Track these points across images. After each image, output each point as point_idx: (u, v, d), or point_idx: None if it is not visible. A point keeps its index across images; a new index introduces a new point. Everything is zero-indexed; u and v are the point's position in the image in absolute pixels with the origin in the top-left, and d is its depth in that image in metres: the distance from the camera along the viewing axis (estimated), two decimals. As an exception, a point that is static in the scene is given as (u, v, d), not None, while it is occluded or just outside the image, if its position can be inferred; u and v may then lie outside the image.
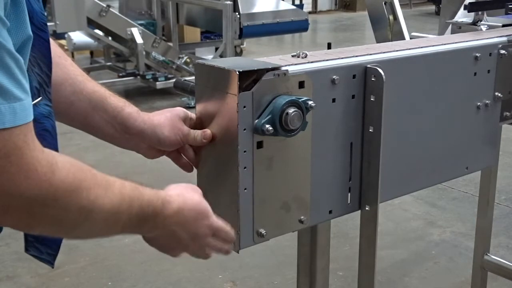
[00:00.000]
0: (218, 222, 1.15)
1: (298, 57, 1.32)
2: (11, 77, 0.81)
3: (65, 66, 1.22)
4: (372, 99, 1.36)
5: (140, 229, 1.06)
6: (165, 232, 1.09)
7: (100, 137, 1.30)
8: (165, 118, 1.29)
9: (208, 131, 1.25)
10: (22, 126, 0.82)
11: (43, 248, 1.16)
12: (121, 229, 1.01)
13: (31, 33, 0.89)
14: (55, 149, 1.07)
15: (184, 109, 1.32)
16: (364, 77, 1.36)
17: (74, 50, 7.28)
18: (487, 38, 1.70)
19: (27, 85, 0.84)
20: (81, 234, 0.99)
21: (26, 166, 0.82)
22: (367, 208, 1.42)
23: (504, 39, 1.70)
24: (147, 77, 6.73)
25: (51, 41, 1.10)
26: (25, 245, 1.15)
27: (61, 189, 0.86)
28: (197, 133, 1.26)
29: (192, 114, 1.32)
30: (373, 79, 1.35)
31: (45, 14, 1.01)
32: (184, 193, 1.11)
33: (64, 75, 1.22)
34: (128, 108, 1.28)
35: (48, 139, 1.04)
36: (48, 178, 0.85)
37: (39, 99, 1.01)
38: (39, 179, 0.84)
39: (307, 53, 1.34)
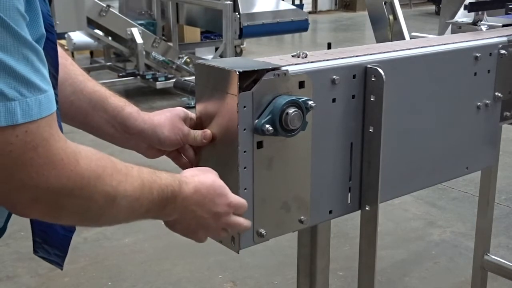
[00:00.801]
0: (236, 198, 1.16)
1: (298, 57, 1.32)
2: (35, 70, 0.82)
3: (65, 65, 1.22)
4: (372, 99, 1.36)
5: (161, 212, 1.06)
6: (186, 213, 1.10)
7: (100, 137, 1.30)
8: (165, 118, 1.29)
9: (208, 131, 1.25)
10: (48, 117, 0.84)
11: (51, 249, 1.17)
12: (145, 213, 1.02)
13: (44, 31, 0.90)
14: None
15: (184, 109, 1.32)
16: (364, 77, 1.36)
17: (74, 50, 7.27)
18: (487, 38, 1.70)
19: (48, 76, 0.85)
20: (107, 221, 1.01)
21: (53, 157, 0.84)
22: (367, 208, 1.42)
23: (504, 39, 1.70)
24: (147, 77, 6.73)
25: None
26: (34, 247, 1.16)
27: (86, 177, 0.88)
28: (197, 133, 1.26)
29: (192, 114, 1.32)
30: (373, 79, 1.35)
31: (51, 15, 1.02)
32: (199, 174, 1.13)
33: (65, 75, 1.22)
34: (128, 108, 1.28)
35: None
36: (74, 168, 0.87)
37: None
38: (65, 170, 0.85)
39: (307, 53, 1.34)
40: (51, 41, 1.01)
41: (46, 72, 0.85)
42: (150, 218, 1.06)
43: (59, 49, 1.20)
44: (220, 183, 1.14)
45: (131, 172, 0.98)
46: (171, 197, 1.05)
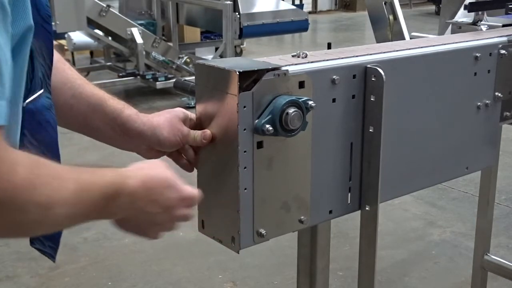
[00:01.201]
0: (187, 190, 1.10)
1: (298, 57, 1.32)
2: None
3: (63, 70, 1.23)
4: (372, 99, 1.36)
5: (108, 213, 1.01)
6: (133, 210, 1.04)
7: (100, 140, 1.30)
8: (164, 119, 1.29)
9: (207, 132, 1.25)
10: None
11: (46, 241, 1.16)
12: (88, 216, 0.97)
13: (32, 23, 0.88)
14: (55, 141, 1.07)
15: (184, 110, 1.32)
16: (364, 77, 1.36)
17: (74, 50, 7.28)
18: (487, 38, 1.70)
19: (7, 89, 0.82)
20: (47, 230, 0.97)
21: None
22: (367, 208, 1.42)
23: (504, 39, 1.70)
24: (147, 77, 6.73)
25: None
26: (30, 239, 1.15)
27: (19, 188, 0.83)
28: (197, 133, 1.26)
29: (192, 115, 1.32)
30: (373, 79, 1.35)
31: (49, 6, 1.01)
32: (145, 167, 1.07)
33: (63, 79, 1.22)
34: (127, 110, 1.28)
35: (50, 130, 1.05)
36: (9, 178, 0.82)
37: (41, 91, 1.01)
38: (2, 181, 0.81)
39: (307, 53, 1.34)
40: (47, 31, 1.00)
41: (6, 85, 0.81)
42: (97, 219, 1.01)
43: (56, 54, 1.19)
44: (168, 174, 1.08)
45: (68, 176, 0.92)
46: (115, 194, 0.98)
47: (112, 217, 1.06)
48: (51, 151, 1.07)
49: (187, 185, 1.11)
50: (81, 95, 1.24)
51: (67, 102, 1.23)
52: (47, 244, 1.17)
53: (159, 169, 1.08)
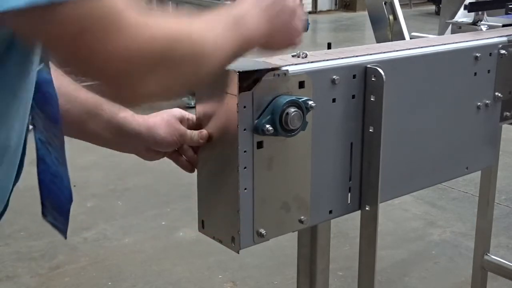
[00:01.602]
0: None
1: (298, 57, 1.32)
2: None
3: (56, 76, 1.23)
4: (372, 99, 1.36)
5: (246, 30, 1.03)
6: (265, 16, 1.07)
7: (97, 143, 1.31)
8: (160, 119, 1.29)
9: (204, 131, 1.25)
10: None
11: (58, 215, 1.18)
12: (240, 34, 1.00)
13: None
14: (59, 118, 1.09)
15: (181, 110, 1.32)
16: (364, 77, 1.36)
17: (74, 50, 7.26)
18: (487, 38, 1.70)
19: None
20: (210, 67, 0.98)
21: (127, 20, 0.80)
22: (367, 208, 1.42)
23: (504, 39, 1.70)
24: (147, 77, 6.72)
25: None
26: (42, 210, 1.17)
27: (161, 37, 0.85)
28: (194, 133, 1.26)
29: (189, 115, 1.32)
30: (373, 79, 1.35)
31: None
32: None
33: (57, 85, 1.22)
34: (123, 112, 1.28)
35: (53, 104, 1.06)
36: (147, 30, 0.83)
37: (42, 65, 1.02)
38: (139, 33, 0.82)
39: (307, 53, 1.34)
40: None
41: None
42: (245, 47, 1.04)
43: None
44: None
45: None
46: (238, 14, 1.03)
47: (254, 34, 1.06)
48: (56, 127, 1.09)
49: None
50: (76, 100, 1.24)
51: (63, 107, 1.22)
52: (59, 217, 1.18)
53: None
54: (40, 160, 1.14)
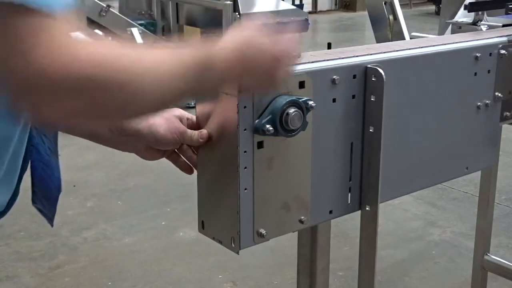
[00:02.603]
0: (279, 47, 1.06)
1: (298, 57, 1.32)
2: None
3: None
4: (372, 99, 1.36)
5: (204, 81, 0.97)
6: (240, 50, 1.01)
7: (98, 142, 1.31)
8: (160, 117, 1.29)
9: (204, 131, 1.25)
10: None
11: (45, 202, 1.20)
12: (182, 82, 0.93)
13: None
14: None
15: (181, 109, 1.32)
16: (365, 77, 1.36)
17: (74, 50, 7.26)
18: (487, 38, 1.70)
19: None
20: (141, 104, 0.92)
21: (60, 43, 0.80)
22: (367, 208, 1.42)
23: (504, 39, 1.70)
24: (147, 77, 6.72)
25: None
26: (32, 197, 1.20)
27: (100, 58, 0.84)
28: (194, 132, 1.26)
29: (189, 115, 1.32)
30: (373, 79, 1.35)
31: None
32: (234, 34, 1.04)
33: None
34: None
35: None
36: (79, 52, 0.83)
37: None
38: (76, 55, 0.82)
39: (308, 53, 1.34)
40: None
41: None
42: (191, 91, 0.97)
43: None
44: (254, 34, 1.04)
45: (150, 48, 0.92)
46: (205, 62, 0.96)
47: (221, 74, 1.01)
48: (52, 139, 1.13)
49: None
50: None
51: None
52: (46, 204, 1.21)
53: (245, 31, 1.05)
54: (34, 149, 1.15)
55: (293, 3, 11.93)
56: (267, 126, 1.17)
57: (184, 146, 1.32)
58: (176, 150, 1.34)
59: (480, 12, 1.96)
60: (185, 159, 1.34)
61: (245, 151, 1.19)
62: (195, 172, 1.34)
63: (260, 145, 1.21)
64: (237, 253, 1.25)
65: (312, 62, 1.30)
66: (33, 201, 1.21)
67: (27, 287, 3.14)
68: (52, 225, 1.24)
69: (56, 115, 0.82)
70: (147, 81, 0.87)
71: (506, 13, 2.19)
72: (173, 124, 1.28)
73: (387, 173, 1.42)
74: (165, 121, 1.28)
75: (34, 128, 1.13)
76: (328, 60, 1.33)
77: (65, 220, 3.69)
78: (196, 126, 1.29)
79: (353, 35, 11.43)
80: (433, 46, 1.56)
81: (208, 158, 1.28)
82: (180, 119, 1.30)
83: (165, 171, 4.38)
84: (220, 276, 3.22)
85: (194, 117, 1.30)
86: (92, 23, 6.45)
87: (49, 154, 1.17)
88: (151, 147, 1.30)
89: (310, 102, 1.21)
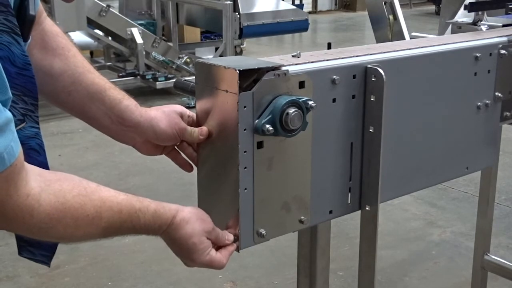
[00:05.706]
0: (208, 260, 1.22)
1: (298, 57, 1.32)
2: None
3: (66, 57, 1.27)
4: (372, 99, 1.36)
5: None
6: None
7: (97, 128, 1.33)
8: (162, 112, 1.30)
9: (204, 128, 1.25)
10: (4, 172, 0.89)
11: (36, 250, 1.19)
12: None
13: (11, 95, 0.92)
14: (43, 164, 1.11)
15: (182, 106, 1.33)
16: (365, 77, 1.36)
17: (74, 50, 7.25)
18: (487, 38, 1.70)
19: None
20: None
21: (8, 214, 0.93)
22: (367, 208, 1.42)
23: (504, 39, 1.70)
24: (147, 77, 6.73)
25: (57, 32, 1.23)
26: (18, 249, 1.19)
27: (37, 227, 0.96)
28: (194, 129, 1.27)
29: (189, 112, 1.32)
30: (373, 79, 1.35)
31: (27, 55, 1.03)
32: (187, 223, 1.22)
33: (64, 66, 1.26)
34: (127, 101, 1.30)
35: (34, 156, 1.09)
36: (26, 221, 0.94)
37: (23, 124, 1.05)
38: (17, 224, 0.95)
39: (307, 53, 1.34)
40: (28, 76, 1.03)
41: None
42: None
43: (63, 41, 1.27)
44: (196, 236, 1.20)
45: (101, 215, 1.07)
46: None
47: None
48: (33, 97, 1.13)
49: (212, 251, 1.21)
50: (81, 84, 1.27)
51: (65, 89, 1.27)
52: (38, 253, 1.20)
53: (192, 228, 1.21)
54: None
55: (293, 3, 11.93)
56: (267, 126, 1.17)
57: (185, 143, 1.33)
58: (176, 147, 1.34)
59: (480, 12, 1.96)
60: (186, 156, 1.34)
61: (245, 151, 1.19)
62: (195, 172, 1.34)
63: (260, 145, 1.21)
64: (238, 252, 1.25)
65: (312, 62, 1.30)
66: (19, 253, 1.21)
67: (27, 287, 3.14)
68: (49, 266, 1.25)
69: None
70: (80, 237, 1.05)
71: (506, 13, 2.19)
72: (173, 120, 1.29)
73: (387, 173, 1.42)
74: (166, 117, 1.29)
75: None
76: (328, 60, 1.33)
77: (65, 220, 3.69)
78: (196, 123, 1.29)
79: (353, 35, 11.43)
80: (433, 46, 1.56)
81: (208, 158, 1.28)
82: (181, 116, 1.30)
83: (165, 171, 4.38)
84: (220, 276, 3.22)
85: (194, 115, 1.31)
86: (92, 23, 6.46)
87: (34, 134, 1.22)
88: (150, 141, 1.31)
89: (310, 102, 1.21)
